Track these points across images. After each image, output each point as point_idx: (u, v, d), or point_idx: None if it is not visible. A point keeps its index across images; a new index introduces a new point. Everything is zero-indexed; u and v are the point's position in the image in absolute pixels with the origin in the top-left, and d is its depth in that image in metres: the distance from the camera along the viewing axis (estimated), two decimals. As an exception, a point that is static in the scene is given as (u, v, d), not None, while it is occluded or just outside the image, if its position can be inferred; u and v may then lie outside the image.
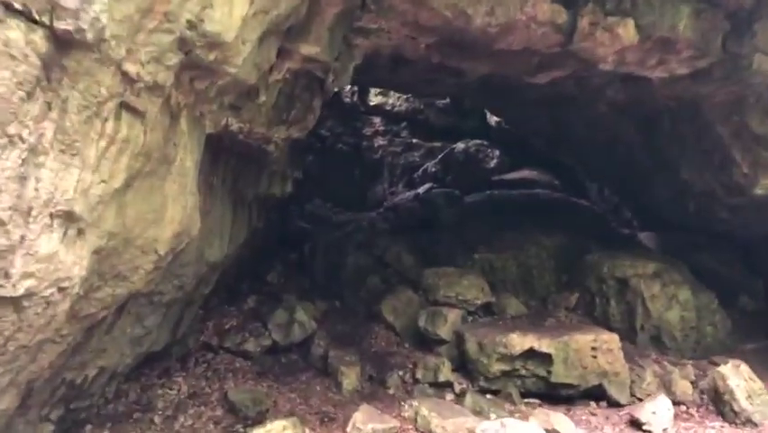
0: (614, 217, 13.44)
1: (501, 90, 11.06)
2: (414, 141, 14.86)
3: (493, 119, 14.91)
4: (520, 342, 7.19)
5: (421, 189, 13.14)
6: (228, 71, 4.53)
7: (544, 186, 13.53)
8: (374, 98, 14.68)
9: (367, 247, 10.60)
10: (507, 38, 7.41)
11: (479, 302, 8.46)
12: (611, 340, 7.25)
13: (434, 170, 13.77)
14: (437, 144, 14.88)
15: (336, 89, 13.81)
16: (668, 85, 8.43)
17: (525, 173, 14.17)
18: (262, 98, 5.92)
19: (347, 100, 14.24)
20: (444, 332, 7.98)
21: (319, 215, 12.50)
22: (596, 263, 8.99)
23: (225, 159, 6.77)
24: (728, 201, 9.28)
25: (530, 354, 7.18)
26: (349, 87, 14.31)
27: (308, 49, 6.06)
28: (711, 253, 10.49)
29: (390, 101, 14.73)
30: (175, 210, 4.76)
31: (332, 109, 14.01)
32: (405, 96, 14.72)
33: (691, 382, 7.58)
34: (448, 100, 15.06)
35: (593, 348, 7.18)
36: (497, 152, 13.94)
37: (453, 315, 8.12)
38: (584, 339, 7.23)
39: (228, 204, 7.19)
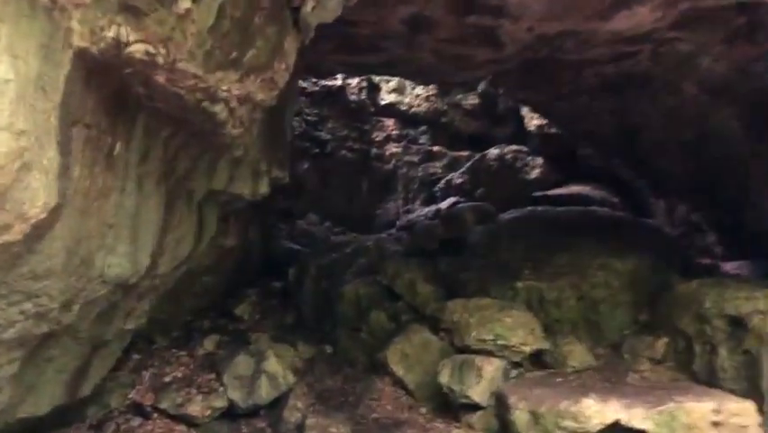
0: (687, 243, 11.08)
1: (549, 74, 8.96)
2: (435, 149, 12.71)
3: (533, 123, 12.73)
4: (599, 412, 4.85)
5: (444, 204, 10.92)
6: None
7: (599, 204, 11.24)
8: (387, 96, 12.62)
9: (371, 273, 8.38)
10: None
11: (527, 349, 6.15)
12: (744, 411, 4.88)
13: (459, 180, 11.57)
14: (463, 154, 12.70)
15: (340, 80, 11.83)
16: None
17: (574, 189, 11.91)
18: (184, 3, 3.79)
19: (353, 97, 12.20)
20: (478, 393, 5.68)
21: (313, 234, 10.31)
22: (693, 295, 6.62)
23: (147, 121, 4.64)
24: None
25: (615, 430, 4.81)
26: (356, 81, 12.29)
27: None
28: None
29: (407, 100, 12.65)
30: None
31: (333, 107, 11.98)
32: (424, 95, 12.64)
33: None
34: (477, 101, 12.96)
35: (715, 423, 4.80)
36: (538, 161, 11.71)
37: (491, 367, 5.82)
38: (700, 409, 4.87)
39: (155, 194, 5.03)
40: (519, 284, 7.36)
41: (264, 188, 7.05)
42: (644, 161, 10.16)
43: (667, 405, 4.88)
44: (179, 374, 6.50)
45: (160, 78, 4.05)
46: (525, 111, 13.01)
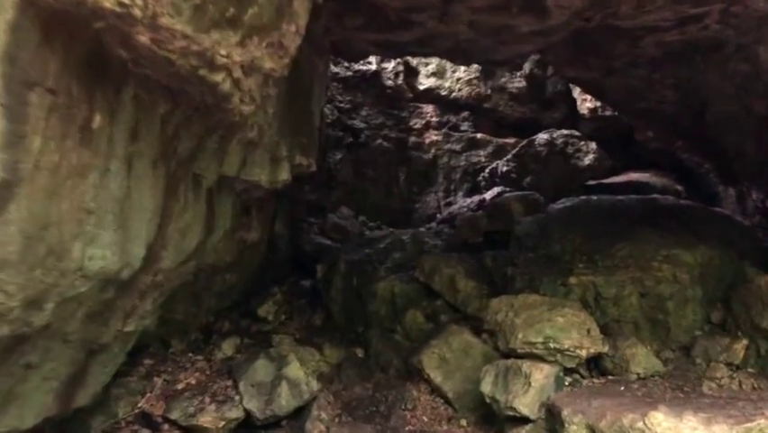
0: (762, 233, 10.05)
1: (601, 46, 8.17)
2: (478, 136, 11.92)
3: (585, 106, 11.87)
4: (672, 428, 4.08)
5: (488, 195, 10.17)
6: None
7: (661, 192, 10.32)
8: (425, 80, 11.90)
9: (407, 270, 7.72)
10: None
11: (583, 353, 5.39)
12: None
13: (505, 168, 10.77)
14: (509, 141, 11.90)
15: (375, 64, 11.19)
16: None
17: (632, 176, 11.02)
18: (162, -58, 3.23)
19: (389, 82, 11.53)
20: (526, 404, 4.96)
21: (346, 228, 9.71)
22: (780, 290, 5.75)
23: (137, 92, 4.11)
24: None
25: (692, 451, 4.04)
26: (392, 64, 11.63)
27: None
28: None
29: (447, 84, 11.91)
30: None
31: (367, 93, 11.35)
32: (466, 78, 11.88)
33: None
34: (523, 84, 12.15)
35: (817, 444, 3.98)
36: (592, 146, 10.83)
37: (541, 374, 5.09)
38: (798, 427, 4.04)
39: (150, 176, 4.49)
40: (572, 279, 6.60)
41: (284, 176, 6.48)
42: (713, 140, 9.21)
43: (756, 420, 4.07)
44: (193, 381, 5.98)
45: (143, 38, 3.49)
46: (576, 93, 12.19)
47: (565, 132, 10.97)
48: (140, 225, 4.31)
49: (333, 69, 10.92)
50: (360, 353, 6.81)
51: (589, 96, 11.88)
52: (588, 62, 8.92)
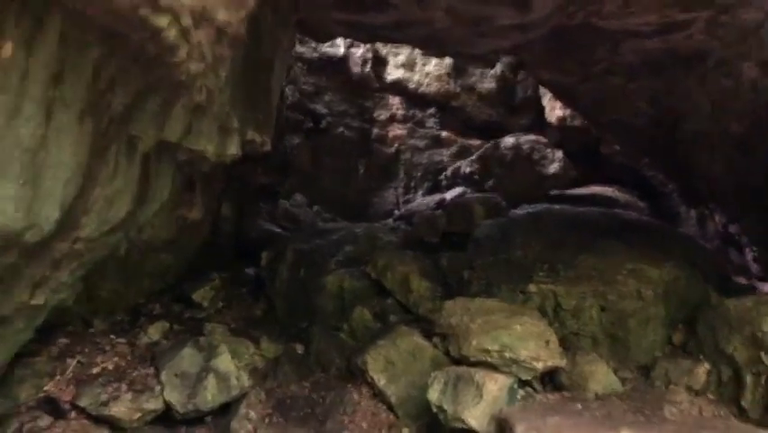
0: (721, 258, 9.96)
1: (580, 49, 7.91)
2: (443, 134, 11.60)
3: (554, 114, 11.64)
4: (634, 456, 3.73)
5: (449, 195, 9.82)
6: None
7: (623, 207, 10.15)
8: (394, 71, 11.50)
9: (359, 264, 7.30)
10: None
11: (540, 366, 5.04)
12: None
13: (468, 169, 10.45)
14: (474, 143, 11.61)
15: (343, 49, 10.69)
16: None
17: (596, 189, 10.83)
18: None
19: (356, 69, 11.08)
20: (476, 416, 4.57)
21: (298, 217, 9.22)
22: (747, 315, 5.50)
23: (65, 27, 3.59)
24: None
25: (654, 482, 3.72)
26: (360, 51, 11.18)
27: None
28: None
29: (416, 77, 11.53)
30: None
31: (332, 78, 10.88)
32: (436, 73, 11.53)
33: None
34: (493, 85, 11.86)
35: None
36: (558, 154, 10.59)
37: (495, 386, 4.71)
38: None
39: (74, 130, 3.94)
40: (532, 287, 6.27)
41: (233, 150, 5.95)
42: (683, 158, 9.04)
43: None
44: (111, 366, 5.42)
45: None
46: (546, 101, 11.97)
47: (532, 137, 10.72)
48: (55, 183, 3.77)
49: (299, 48, 10.43)
50: (300, 349, 6.34)
51: (558, 105, 11.67)
52: (564, 66, 8.65)
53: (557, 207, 9.02)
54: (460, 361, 5.20)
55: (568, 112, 11.39)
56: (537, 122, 11.96)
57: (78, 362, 5.47)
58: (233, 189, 8.25)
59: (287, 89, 9.83)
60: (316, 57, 10.72)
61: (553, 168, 10.47)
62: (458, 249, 7.78)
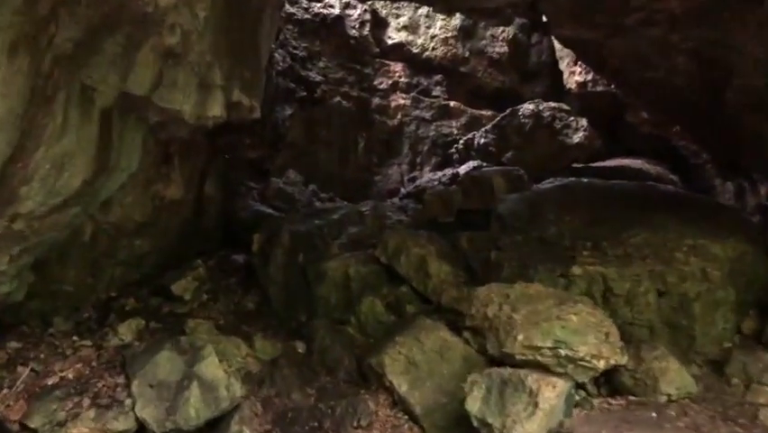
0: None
1: None
2: (451, 104, 10.67)
3: (573, 79, 10.77)
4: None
5: (462, 169, 8.92)
6: None
7: (655, 181, 9.32)
8: (395, 34, 10.54)
9: (366, 247, 6.43)
10: None
11: (602, 365, 4.16)
12: None
13: (483, 140, 9.54)
14: (486, 113, 10.71)
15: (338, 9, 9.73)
16: None
17: (624, 161, 10.00)
18: None
19: (353, 32, 10.09)
20: (532, 432, 3.66)
21: (292, 196, 8.31)
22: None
23: None
24: None
25: None
26: (358, 11, 10.21)
27: None
28: None
29: (420, 41, 10.58)
30: None
31: (327, 41, 9.92)
32: (442, 35, 10.59)
33: None
34: (505, 49, 10.96)
35: None
36: (582, 122, 9.70)
37: (552, 392, 3.84)
38: None
39: (5, 66, 3.01)
40: (576, 269, 5.40)
41: (217, 110, 5.04)
42: (728, 121, 8.17)
43: None
44: (71, 375, 4.51)
45: None
46: (563, 66, 11.10)
47: (553, 104, 9.83)
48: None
49: (289, 8, 9.45)
50: (301, 348, 5.48)
51: (578, 69, 10.81)
52: (593, 17, 7.75)
53: (584, 180, 8.16)
54: (501, 361, 4.33)
55: (590, 77, 10.54)
56: (553, 89, 11.11)
57: (32, 370, 4.58)
58: (219, 164, 7.33)
59: (276, 54, 8.87)
60: (308, 17, 9.74)
61: (578, 137, 9.59)
62: (477, 228, 6.93)
